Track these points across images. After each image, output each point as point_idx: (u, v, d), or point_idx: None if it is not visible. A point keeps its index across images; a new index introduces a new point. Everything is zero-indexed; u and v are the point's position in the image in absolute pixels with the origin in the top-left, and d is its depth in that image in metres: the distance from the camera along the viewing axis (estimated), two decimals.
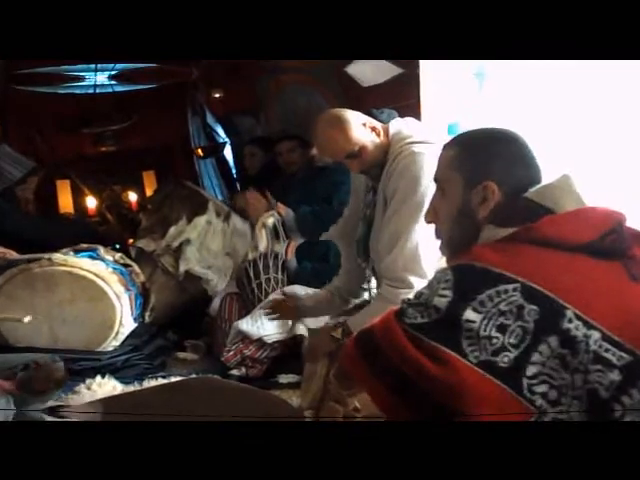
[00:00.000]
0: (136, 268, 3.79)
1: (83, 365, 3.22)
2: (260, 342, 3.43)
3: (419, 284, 2.20)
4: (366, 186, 2.57)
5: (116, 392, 2.89)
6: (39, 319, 3.23)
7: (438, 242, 1.72)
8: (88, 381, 3.02)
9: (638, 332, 1.40)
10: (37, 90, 5.82)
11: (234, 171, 6.08)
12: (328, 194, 3.73)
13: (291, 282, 3.68)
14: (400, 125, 2.45)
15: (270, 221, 3.69)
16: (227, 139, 6.19)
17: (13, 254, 3.50)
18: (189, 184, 4.56)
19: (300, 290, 3.53)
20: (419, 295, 1.47)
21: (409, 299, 1.48)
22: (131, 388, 2.97)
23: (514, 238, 1.49)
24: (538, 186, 1.58)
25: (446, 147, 1.72)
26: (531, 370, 1.37)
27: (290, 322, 3.42)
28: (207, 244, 4.07)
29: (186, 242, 4.01)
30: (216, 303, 3.98)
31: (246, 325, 3.43)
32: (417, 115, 3.15)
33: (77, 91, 5.93)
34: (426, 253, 2.24)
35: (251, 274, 3.66)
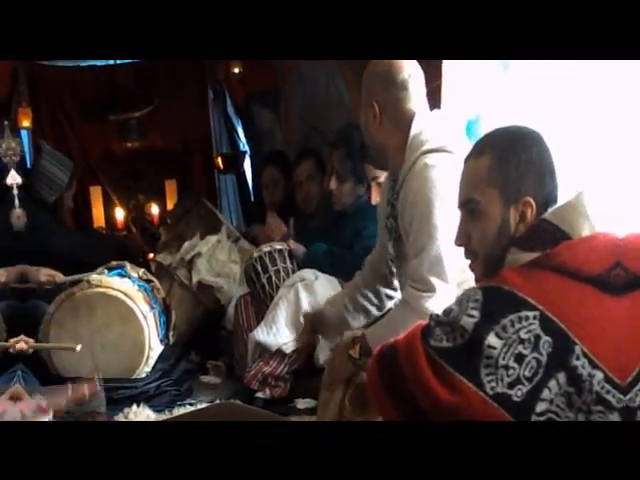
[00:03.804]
0: (157, 283, 3.89)
1: (121, 394, 3.26)
2: (279, 354, 3.34)
3: (442, 288, 2.19)
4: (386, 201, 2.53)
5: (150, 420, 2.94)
6: (83, 347, 3.25)
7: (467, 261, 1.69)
8: (126, 410, 3.07)
9: (634, 373, 1.39)
10: (58, 64, 5.96)
11: (253, 196, 6.09)
12: (350, 242, 3.50)
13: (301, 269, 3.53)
14: (421, 126, 2.32)
15: (278, 247, 3.65)
16: (247, 146, 6.21)
17: (60, 276, 3.59)
18: (207, 203, 4.80)
19: (309, 274, 3.43)
20: (448, 312, 1.47)
21: (437, 315, 1.48)
22: (163, 417, 3.01)
23: (537, 264, 1.47)
24: (555, 206, 1.55)
25: (474, 156, 1.63)
26: (540, 407, 1.38)
27: (303, 324, 3.29)
28: (216, 255, 4.30)
29: (197, 255, 4.26)
30: (230, 312, 3.97)
31: (262, 334, 3.32)
32: (438, 99, 3.01)
33: (98, 63, 6.06)
34: (449, 262, 2.21)
35: (259, 268, 3.58)
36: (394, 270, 2.56)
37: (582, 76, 2.56)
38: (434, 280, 2.21)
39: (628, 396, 1.37)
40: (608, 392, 1.38)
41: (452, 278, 2.21)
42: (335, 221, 3.72)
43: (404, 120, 2.34)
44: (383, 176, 2.94)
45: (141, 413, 3.03)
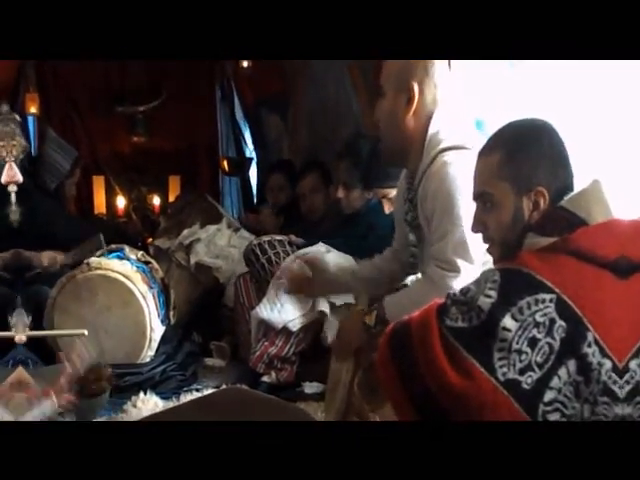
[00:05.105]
0: (155, 264, 3.92)
1: (127, 381, 3.26)
2: (285, 333, 3.26)
3: (467, 269, 2.18)
4: (404, 200, 2.48)
5: (158, 409, 2.90)
6: (88, 332, 3.24)
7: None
8: (133, 398, 3.06)
9: (627, 356, 1.41)
10: None
11: (255, 199, 6.11)
12: (364, 235, 3.45)
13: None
14: (439, 124, 2.27)
15: (278, 238, 3.65)
16: (254, 152, 6.23)
17: (62, 256, 3.63)
18: (209, 198, 4.88)
19: (320, 247, 3.35)
20: (466, 291, 1.48)
21: (454, 294, 1.49)
22: (170, 404, 2.98)
23: (554, 248, 1.49)
24: (572, 194, 1.58)
25: (485, 153, 1.67)
26: (548, 396, 1.39)
27: (311, 300, 3.24)
28: (214, 241, 4.35)
29: (196, 240, 4.32)
30: (230, 291, 3.95)
31: (265, 312, 3.24)
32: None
33: None
34: (473, 244, 2.18)
35: (258, 251, 3.57)
36: (416, 253, 2.48)
37: (588, 70, 2.59)
38: (459, 261, 2.19)
39: (623, 380, 1.40)
40: (615, 382, 1.39)
41: (477, 260, 2.20)
42: (346, 222, 3.69)
43: (432, 111, 2.28)
44: (392, 193, 2.97)
45: (149, 401, 3.01)
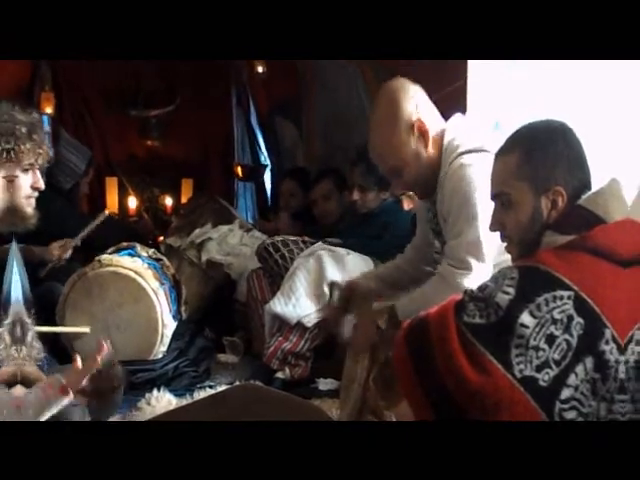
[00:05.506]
0: (166, 261, 3.93)
1: (140, 377, 3.26)
2: (300, 328, 3.22)
3: (479, 268, 2.19)
4: (427, 208, 2.50)
5: (171, 406, 2.90)
6: (99, 328, 3.27)
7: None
8: (147, 395, 3.06)
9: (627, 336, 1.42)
10: None
11: (270, 203, 6.11)
12: (378, 234, 3.45)
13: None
14: (455, 132, 2.31)
15: (292, 238, 3.64)
16: (268, 159, 6.24)
17: (71, 241, 3.65)
18: (222, 201, 4.89)
19: (342, 251, 3.32)
20: (483, 288, 1.49)
21: (472, 291, 1.50)
22: (184, 401, 2.97)
23: (572, 246, 1.50)
24: (590, 193, 1.59)
25: (503, 154, 1.69)
26: (565, 393, 1.40)
27: (327, 295, 3.19)
28: (226, 240, 4.36)
29: (208, 239, 4.33)
30: (242, 286, 3.94)
31: (280, 306, 3.20)
32: (463, 101, 3.01)
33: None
34: (487, 244, 2.21)
35: (271, 249, 3.57)
36: (437, 258, 2.51)
37: (606, 70, 2.57)
38: (471, 260, 2.21)
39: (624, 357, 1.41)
40: (630, 380, 1.41)
41: (489, 260, 2.22)
42: (361, 222, 3.67)
43: (440, 126, 2.32)
44: None
45: (162, 398, 3.00)
